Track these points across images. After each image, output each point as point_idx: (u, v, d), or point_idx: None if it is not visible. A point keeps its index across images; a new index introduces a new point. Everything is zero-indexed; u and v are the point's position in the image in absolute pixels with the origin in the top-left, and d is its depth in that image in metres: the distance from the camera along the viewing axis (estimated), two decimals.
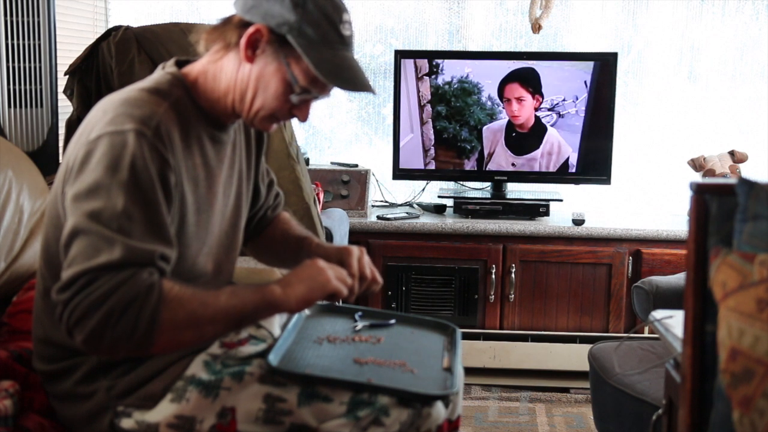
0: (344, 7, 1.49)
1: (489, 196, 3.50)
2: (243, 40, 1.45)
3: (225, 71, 1.50)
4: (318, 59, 1.43)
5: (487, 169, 3.46)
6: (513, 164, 3.44)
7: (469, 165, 3.46)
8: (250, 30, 1.45)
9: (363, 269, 1.60)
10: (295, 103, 1.51)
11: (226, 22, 1.51)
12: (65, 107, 2.74)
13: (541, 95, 3.40)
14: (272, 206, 1.86)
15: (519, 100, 3.41)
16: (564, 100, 3.40)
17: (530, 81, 3.40)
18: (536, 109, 3.40)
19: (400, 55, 3.45)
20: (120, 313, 1.30)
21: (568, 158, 3.42)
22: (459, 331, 1.78)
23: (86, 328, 1.31)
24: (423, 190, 3.68)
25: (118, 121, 1.38)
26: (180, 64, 1.56)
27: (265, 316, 1.50)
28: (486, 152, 3.44)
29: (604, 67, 3.37)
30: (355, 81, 1.47)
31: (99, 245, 1.32)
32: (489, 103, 3.42)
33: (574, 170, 3.43)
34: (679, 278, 2.58)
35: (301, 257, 1.74)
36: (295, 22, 1.43)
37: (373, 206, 3.60)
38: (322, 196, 3.27)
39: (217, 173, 1.56)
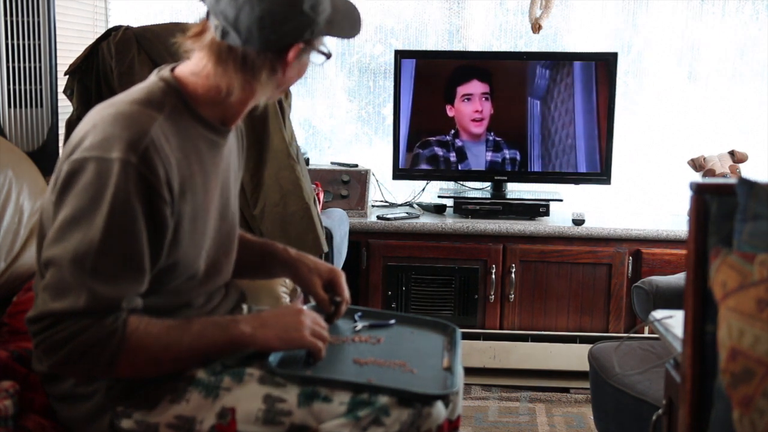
0: None
1: (489, 196, 3.50)
2: (281, 73, 1.47)
3: (241, 86, 1.47)
4: (338, 33, 1.57)
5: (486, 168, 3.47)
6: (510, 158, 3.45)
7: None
8: (291, 55, 1.45)
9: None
10: None
11: (230, 49, 1.44)
12: (65, 107, 2.74)
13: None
14: None
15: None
16: (564, 100, 3.40)
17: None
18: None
19: (400, 55, 3.44)
20: (79, 356, 1.37)
21: (568, 158, 3.42)
22: (459, 331, 1.77)
23: (50, 360, 1.39)
24: (423, 190, 3.68)
25: (106, 146, 1.37)
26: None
27: (231, 353, 1.52)
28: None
29: (604, 67, 3.37)
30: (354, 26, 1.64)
31: (67, 286, 1.36)
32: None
33: (574, 170, 3.44)
34: (679, 278, 2.58)
35: (274, 264, 1.76)
36: (317, 29, 1.48)
37: (373, 206, 3.60)
38: (322, 196, 3.27)
39: (213, 177, 1.55)
